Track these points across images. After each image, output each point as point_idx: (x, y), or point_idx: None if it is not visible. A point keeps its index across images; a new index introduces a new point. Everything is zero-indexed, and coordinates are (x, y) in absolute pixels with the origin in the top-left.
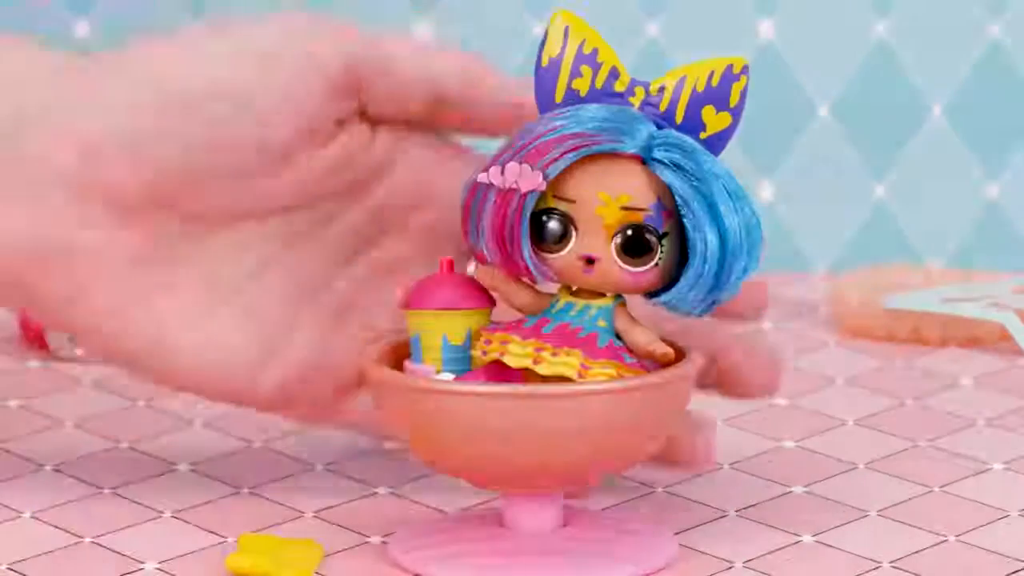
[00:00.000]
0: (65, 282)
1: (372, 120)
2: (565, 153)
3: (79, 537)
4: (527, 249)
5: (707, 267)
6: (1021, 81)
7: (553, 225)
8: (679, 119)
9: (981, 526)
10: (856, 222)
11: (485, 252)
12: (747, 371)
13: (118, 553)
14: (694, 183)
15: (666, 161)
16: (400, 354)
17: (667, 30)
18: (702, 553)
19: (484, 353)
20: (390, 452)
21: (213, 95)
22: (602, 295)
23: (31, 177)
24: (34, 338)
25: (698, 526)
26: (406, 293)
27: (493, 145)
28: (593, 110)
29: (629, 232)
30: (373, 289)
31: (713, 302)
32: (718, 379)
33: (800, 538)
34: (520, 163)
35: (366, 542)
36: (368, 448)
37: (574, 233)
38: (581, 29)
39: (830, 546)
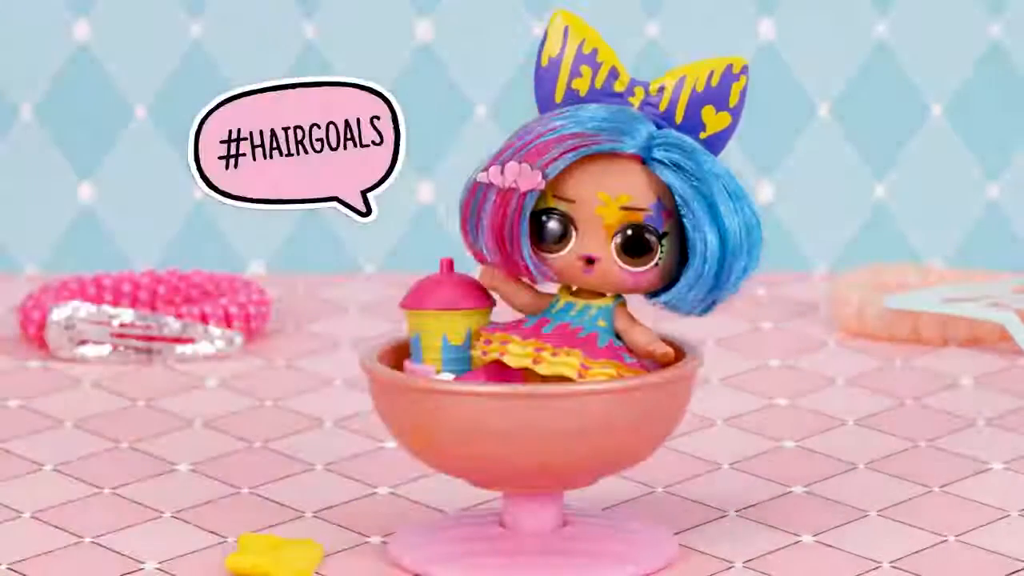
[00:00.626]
0: None
1: None
2: (565, 153)
3: (79, 537)
4: (527, 249)
5: (707, 267)
6: (1021, 81)
7: (553, 225)
8: (679, 119)
9: (981, 526)
10: (856, 222)
11: (484, 252)
12: None
13: (118, 553)
14: (694, 183)
15: (666, 161)
16: (400, 354)
17: (667, 30)
18: (702, 553)
19: (484, 353)
20: (390, 452)
21: None
22: (602, 295)
23: None
24: (34, 338)
25: (698, 526)
26: (406, 293)
27: None
28: (593, 110)
29: (629, 232)
30: None
31: (713, 302)
32: None
33: (800, 538)
34: (520, 162)
35: (366, 542)
36: (368, 448)
37: (574, 233)
38: (581, 29)
39: (830, 546)
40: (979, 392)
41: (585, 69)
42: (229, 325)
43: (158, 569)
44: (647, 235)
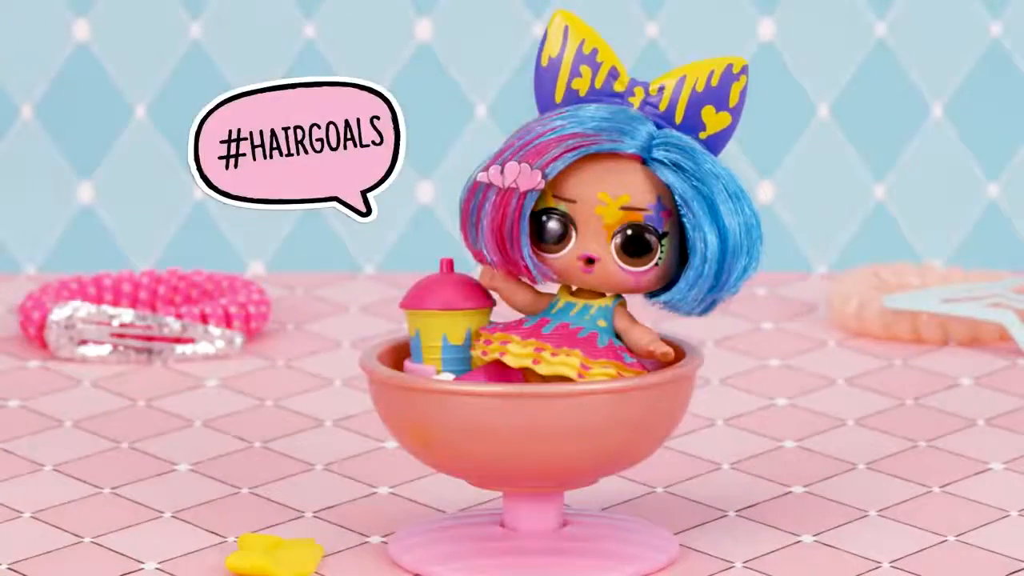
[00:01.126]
0: None
1: None
2: (565, 153)
3: (79, 537)
4: (527, 249)
5: (707, 267)
6: (1021, 81)
7: (553, 225)
8: (679, 119)
9: (981, 526)
10: (856, 222)
11: (484, 252)
12: None
13: (118, 553)
14: (694, 183)
15: (666, 161)
16: (400, 354)
17: (667, 30)
18: (702, 553)
19: (484, 353)
20: (390, 452)
21: None
22: (602, 295)
23: None
24: (34, 338)
25: (698, 526)
26: (406, 293)
27: None
28: (592, 110)
29: (629, 232)
30: None
31: (713, 302)
32: None
33: (800, 538)
34: (520, 162)
35: (366, 542)
36: (368, 448)
37: (574, 233)
38: (581, 29)
39: (830, 546)
40: (979, 392)
41: (585, 69)
42: (229, 325)
43: (158, 569)
44: (647, 235)
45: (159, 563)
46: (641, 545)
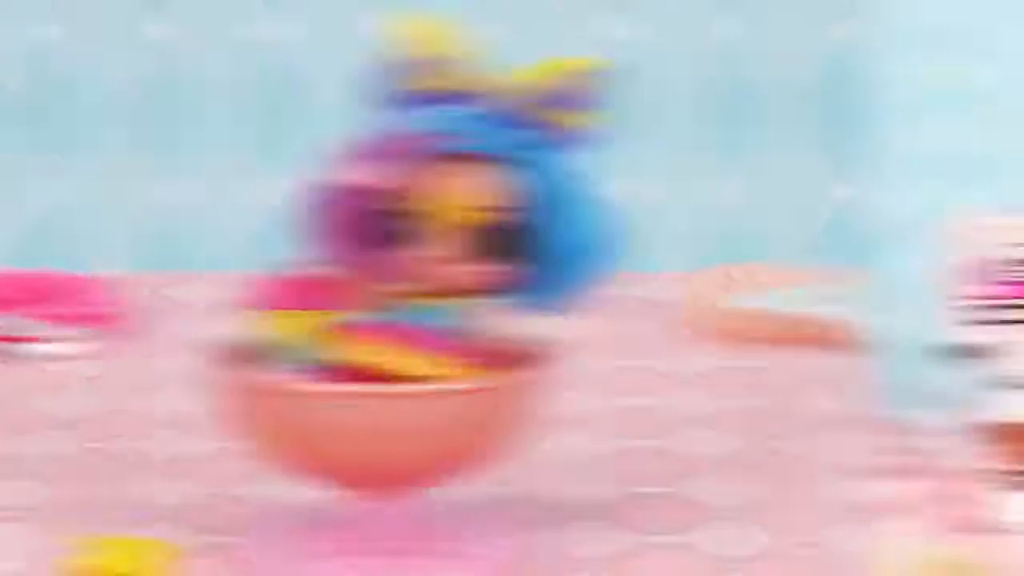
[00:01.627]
0: None
1: None
2: (425, 153)
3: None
4: (383, 249)
5: (564, 267)
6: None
7: (410, 225)
8: (534, 119)
9: (837, 526)
10: (710, 222)
11: (340, 252)
12: None
13: None
14: (551, 184)
15: (524, 161)
16: (245, 356)
17: (521, 29)
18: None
19: (337, 353)
20: (244, 453)
21: None
22: (455, 294)
23: None
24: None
25: (549, 526)
26: (252, 293)
27: None
28: (447, 111)
29: (486, 232)
30: None
31: (568, 302)
32: None
33: (650, 539)
34: (377, 163)
35: (222, 544)
36: (222, 450)
37: (431, 233)
38: (430, 31)
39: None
40: (829, 392)
41: (439, 70)
42: (83, 325)
43: (4, 571)
44: (504, 235)
45: (6, 564)
46: (480, 548)
